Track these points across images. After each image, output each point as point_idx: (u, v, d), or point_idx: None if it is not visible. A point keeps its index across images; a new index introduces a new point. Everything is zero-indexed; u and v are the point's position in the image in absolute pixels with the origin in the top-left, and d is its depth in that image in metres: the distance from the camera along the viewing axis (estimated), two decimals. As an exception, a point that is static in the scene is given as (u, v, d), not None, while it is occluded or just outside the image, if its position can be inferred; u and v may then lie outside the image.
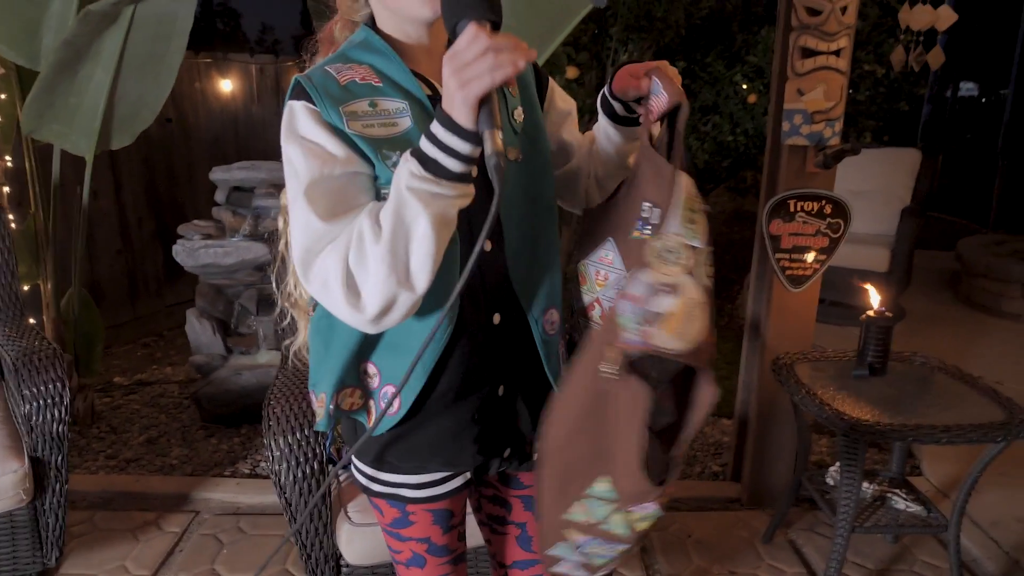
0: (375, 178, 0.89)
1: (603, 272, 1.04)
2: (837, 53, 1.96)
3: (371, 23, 0.96)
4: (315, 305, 1.01)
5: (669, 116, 0.95)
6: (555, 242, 1.05)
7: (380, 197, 0.89)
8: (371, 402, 1.00)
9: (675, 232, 0.90)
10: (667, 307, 0.86)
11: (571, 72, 3.73)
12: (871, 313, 1.96)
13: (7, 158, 2.84)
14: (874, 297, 1.96)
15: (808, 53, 1.97)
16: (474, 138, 0.79)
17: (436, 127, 0.80)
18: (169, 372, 3.67)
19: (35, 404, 1.82)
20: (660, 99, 0.94)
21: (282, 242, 1.11)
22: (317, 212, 0.85)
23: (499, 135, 0.77)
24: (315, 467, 1.55)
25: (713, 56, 4.74)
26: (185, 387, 3.41)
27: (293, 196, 0.87)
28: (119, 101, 2.56)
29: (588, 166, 1.11)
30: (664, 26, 3.86)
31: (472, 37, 0.76)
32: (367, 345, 0.98)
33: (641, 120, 0.99)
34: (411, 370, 0.87)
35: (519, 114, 1.00)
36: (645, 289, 0.87)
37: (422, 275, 0.83)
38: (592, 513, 1.01)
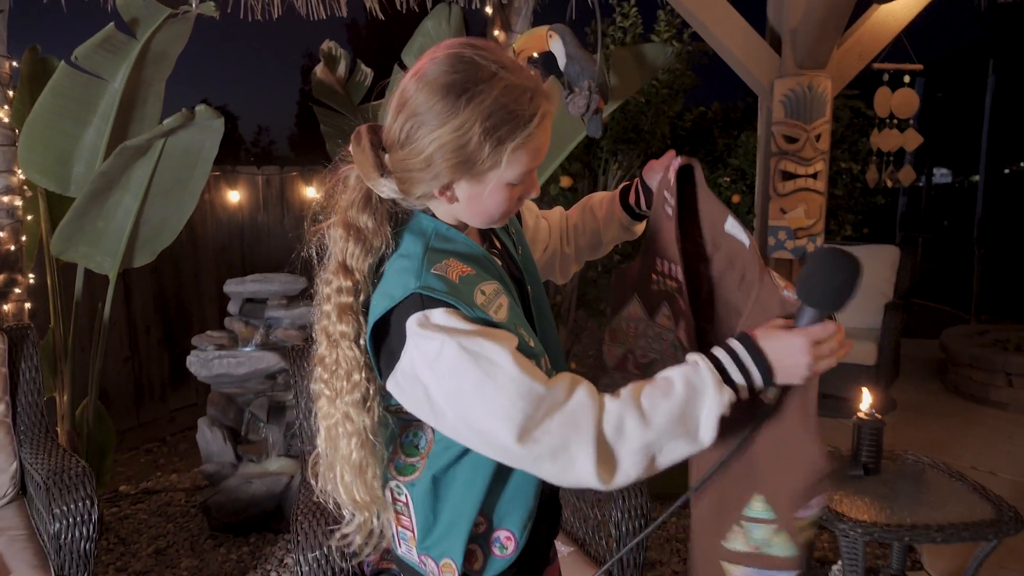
0: None
1: (633, 325, 1.23)
2: (815, 176, 2.15)
3: (425, 209, 1.03)
4: (410, 479, 1.04)
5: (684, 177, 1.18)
6: (563, 353, 1.21)
7: None
8: (472, 545, 1.05)
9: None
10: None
11: (565, 181, 3.96)
12: (862, 415, 2.07)
13: (30, 275, 2.96)
14: (864, 399, 2.07)
15: (788, 176, 2.16)
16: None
17: (755, 375, 0.94)
18: (175, 479, 3.69)
19: (64, 522, 1.88)
20: (675, 163, 1.18)
21: (321, 446, 1.04)
22: (537, 379, 0.89)
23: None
24: (341, 581, 1.61)
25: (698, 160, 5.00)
26: (192, 495, 3.43)
27: (484, 381, 0.88)
28: (143, 224, 2.73)
29: (561, 246, 1.32)
30: (651, 137, 4.10)
31: (832, 333, 0.95)
32: (488, 503, 1.02)
33: (653, 194, 1.22)
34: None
35: (520, 250, 1.16)
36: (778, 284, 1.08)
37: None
38: (752, 537, 1.06)
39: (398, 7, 2.58)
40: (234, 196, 4.79)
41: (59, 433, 2.95)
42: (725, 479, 1.09)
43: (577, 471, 0.89)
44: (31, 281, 2.98)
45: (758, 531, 1.05)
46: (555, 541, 1.31)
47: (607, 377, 1.27)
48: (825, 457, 1.01)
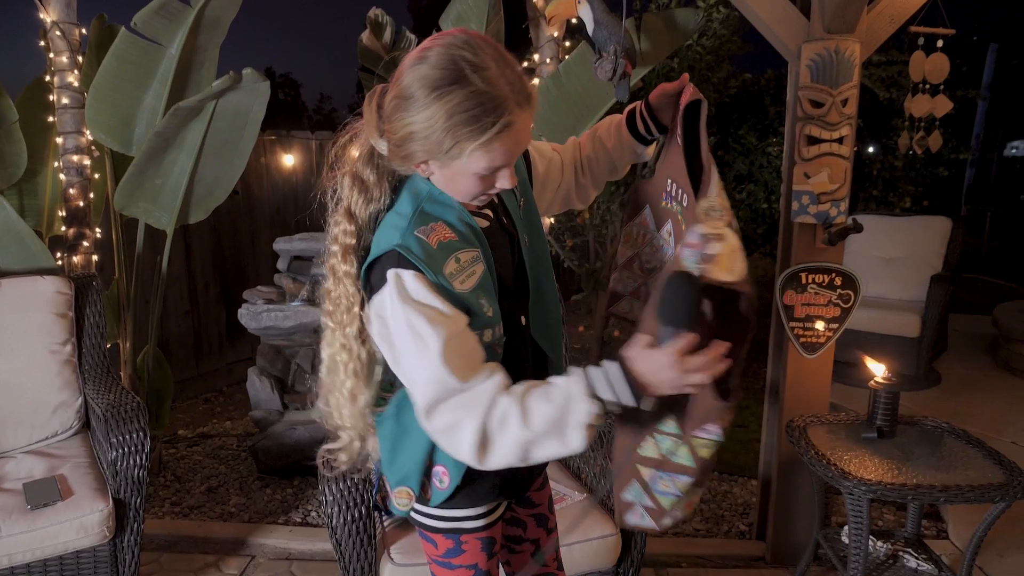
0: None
1: (642, 233, 1.36)
2: (840, 140, 2.15)
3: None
4: (380, 411, 1.20)
5: (691, 117, 1.23)
6: (557, 297, 1.30)
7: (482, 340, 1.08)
8: (425, 480, 1.21)
9: (715, 195, 1.13)
10: (716, 250, 1.08)
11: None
12: (879, 379, 2.09)
13: (97, 230, 3.18)
14: (877, 366, 2.09)
15: (813, 141, 2.16)
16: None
17: (624, 393, 1.02)
18: (228, 426, 3.93)
19: (120, 451, 2.06)
20: (686, 93, 1.24)
21: (323, 373, 1.17)
22: (454, 372, 1.01)
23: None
24: (363, 511, 1.74)
25: (746, 129, 4.95)
26: (243, 440, 3.66)
27: (416, 354, 1.02)
28: (198, 182, 2.89)
29: (576, 178, 1.38)
30: (695, 104, 4.09)
31: (690, 344, 1.01)
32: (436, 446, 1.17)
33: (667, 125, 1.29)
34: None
35: (524, 203, 1.25)
36: (699, 238, 1.09)
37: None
38: (661, 447, 1.23)
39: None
40: (289, 160, 4.98)
41: (122, 377, 3.18)
42: None
43: (461, 451, 1.04)
44: (98, 235, 3.19)
45: (665, 442, 1.22)
46: (565, 488, 1.41)
47: (616, 272, 1.40)
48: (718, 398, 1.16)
